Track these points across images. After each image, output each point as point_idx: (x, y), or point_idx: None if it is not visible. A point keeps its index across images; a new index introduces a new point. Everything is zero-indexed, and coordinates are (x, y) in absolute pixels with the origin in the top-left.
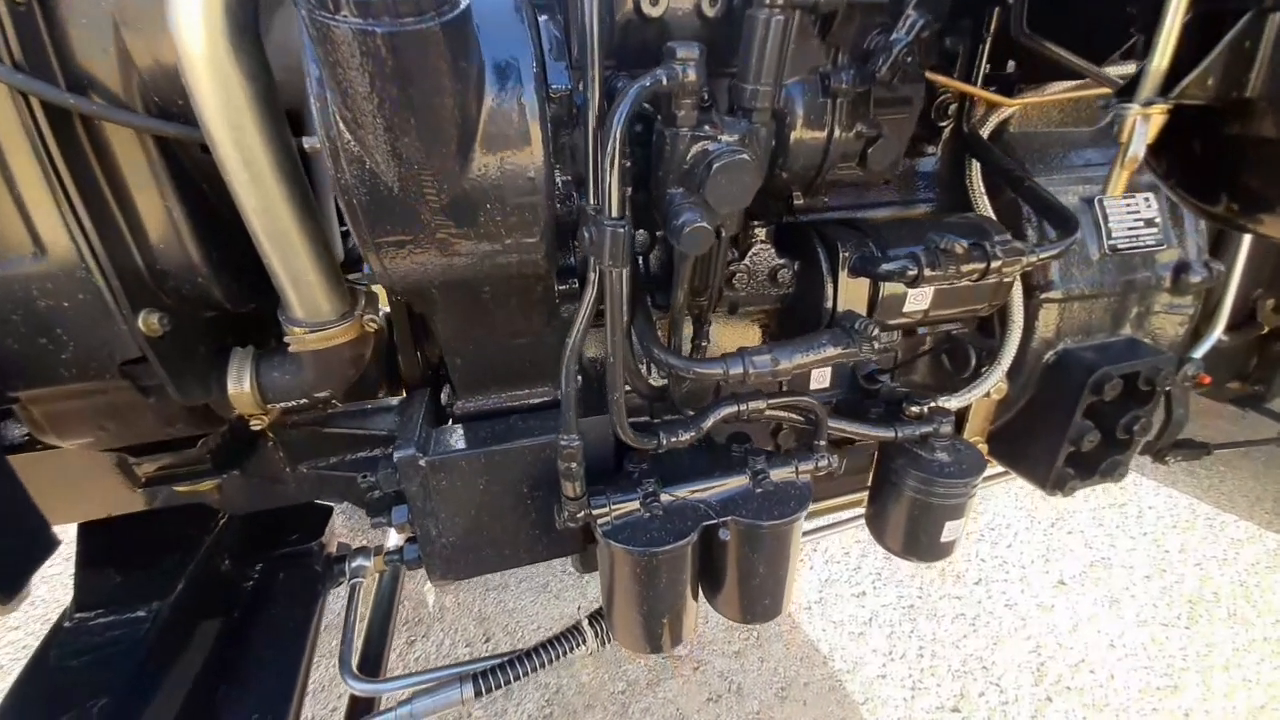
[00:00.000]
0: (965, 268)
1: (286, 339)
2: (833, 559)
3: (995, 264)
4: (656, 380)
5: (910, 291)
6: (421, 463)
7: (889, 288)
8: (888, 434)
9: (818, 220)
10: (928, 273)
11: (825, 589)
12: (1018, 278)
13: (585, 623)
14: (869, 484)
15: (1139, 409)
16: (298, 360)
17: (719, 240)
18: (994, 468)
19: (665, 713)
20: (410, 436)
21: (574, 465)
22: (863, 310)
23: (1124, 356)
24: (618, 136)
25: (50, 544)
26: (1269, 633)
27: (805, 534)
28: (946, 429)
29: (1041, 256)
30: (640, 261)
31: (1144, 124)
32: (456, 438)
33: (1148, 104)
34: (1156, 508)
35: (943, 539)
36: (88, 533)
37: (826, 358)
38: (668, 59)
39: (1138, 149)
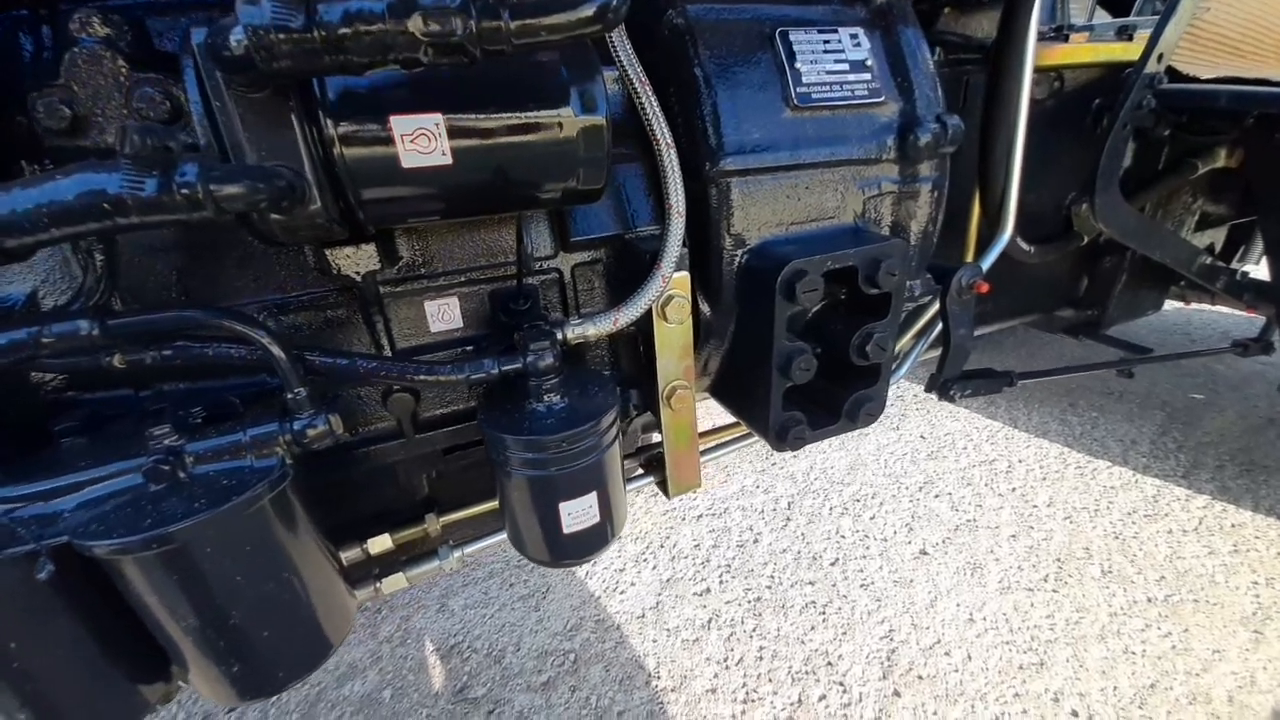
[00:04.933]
0: (338, 28)
1: None
2: (680, 554)
3: (412, 21)
4: None
5: (394, 131)
6: None
7: (343, 129)
8: (442, 376)
9: None
10: (237, 40)
11: (665, 590)
12: (667, 149)
13: None
14: None
15: (873, 321)
16: None
17: None
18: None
19: None
20: None
21: None
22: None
23: (838, 247)
24: None
25: None
26: (1152, 593)
27: (482, 539)
28: (546, 362)
29: (529, 22)
30: None
31: None
32: None
33: None
34: (1026, 460)
35: (567, 528)
36: None
37: (79, 209)
38: None
39: None
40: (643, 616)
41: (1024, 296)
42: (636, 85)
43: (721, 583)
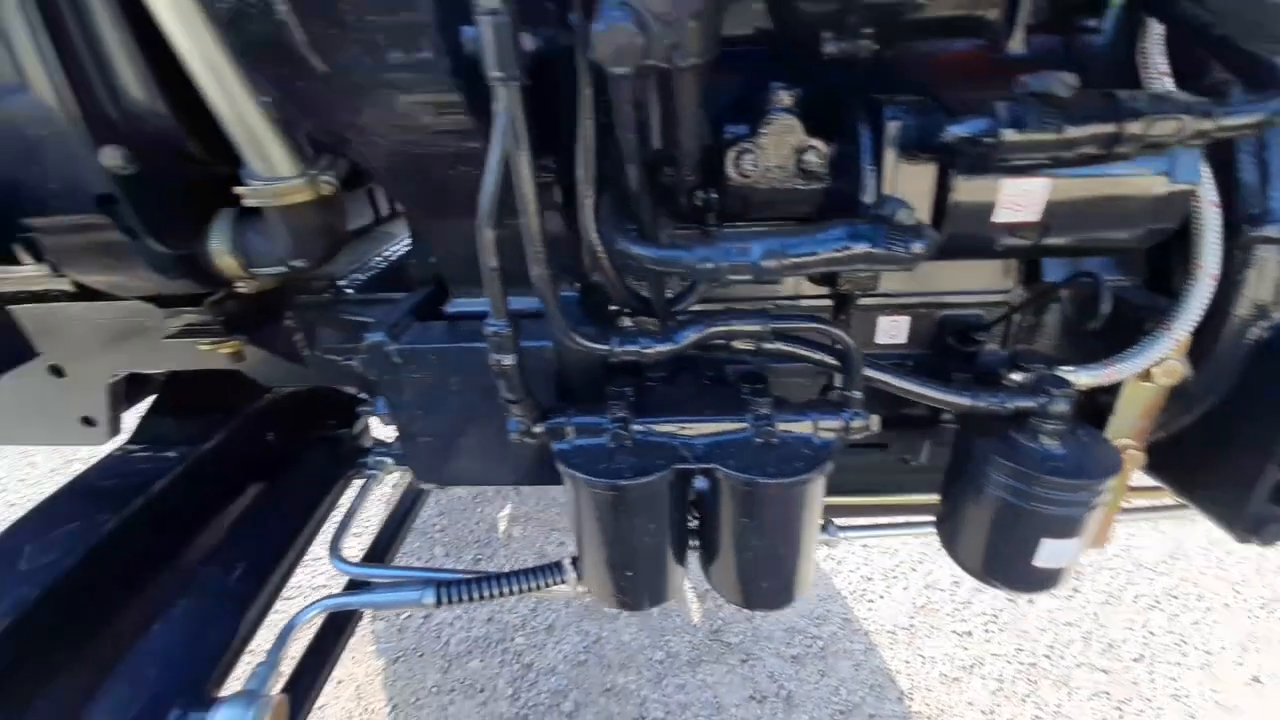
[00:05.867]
0: (1078, 130)
1: (240, 190)
2: (935, 584)
3: (1132, 126)
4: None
5: (1003, 194)
6: (389, 349)
7: (965, 188)
8: (961, 400)
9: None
10: (1010, 135)
11: (918, 616)
12: (1212, 209)
13: (567, 562)
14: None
15: None
16: (270, 223)
17: (675, 78)
18: (1166, 496)
19: (701, 697)
20: (386, 322)
21: (504, 360)
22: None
23: None
24: None
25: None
26: None
27: (861, 530)
28: (1060, 408)
29: (1223, 123)
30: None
31: None
32: (432, 330)
33: None
34: None
35: (1038, 563)
36: (168, 386)
37: (837, 257)
38: None
39: None
40: (894, 633)
41: None
42: None
43: (987, 632)
